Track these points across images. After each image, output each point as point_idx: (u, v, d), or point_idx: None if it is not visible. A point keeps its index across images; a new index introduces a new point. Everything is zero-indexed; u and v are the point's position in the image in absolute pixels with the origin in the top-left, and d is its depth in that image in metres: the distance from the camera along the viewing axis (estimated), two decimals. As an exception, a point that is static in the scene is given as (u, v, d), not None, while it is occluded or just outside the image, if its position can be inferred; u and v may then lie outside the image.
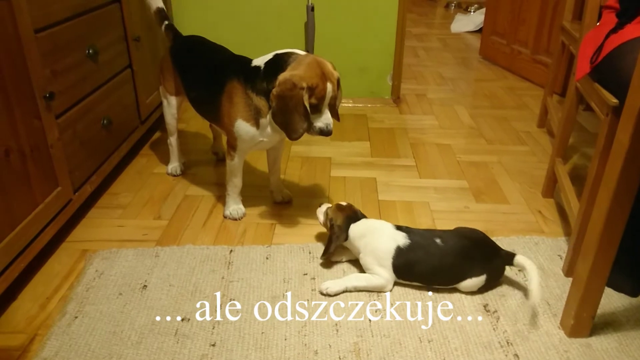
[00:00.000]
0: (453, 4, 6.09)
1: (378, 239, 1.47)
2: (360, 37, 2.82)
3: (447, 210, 1.92)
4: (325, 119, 1.57)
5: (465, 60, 4.00)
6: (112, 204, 1.94)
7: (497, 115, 2.85)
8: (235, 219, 1.83)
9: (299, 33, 2.80)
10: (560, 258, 1.63)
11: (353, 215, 1.57)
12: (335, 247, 1.55)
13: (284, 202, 1.95)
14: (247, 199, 1.90)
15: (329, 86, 1.54)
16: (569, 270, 1.54)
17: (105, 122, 1.90)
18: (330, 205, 1.64)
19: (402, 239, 1.46)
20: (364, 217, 1.59)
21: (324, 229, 1.77)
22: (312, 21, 2.69)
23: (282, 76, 1.52)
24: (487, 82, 3.46)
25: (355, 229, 1.53)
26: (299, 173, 2.18)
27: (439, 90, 3.28)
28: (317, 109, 1.55)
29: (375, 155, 2.36)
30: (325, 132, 1.57)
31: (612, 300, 1.46)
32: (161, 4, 2.03)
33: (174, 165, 2.15)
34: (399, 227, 1.50)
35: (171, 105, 2.03)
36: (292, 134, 1.56)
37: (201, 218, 1.85)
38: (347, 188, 2.06)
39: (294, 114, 1.52)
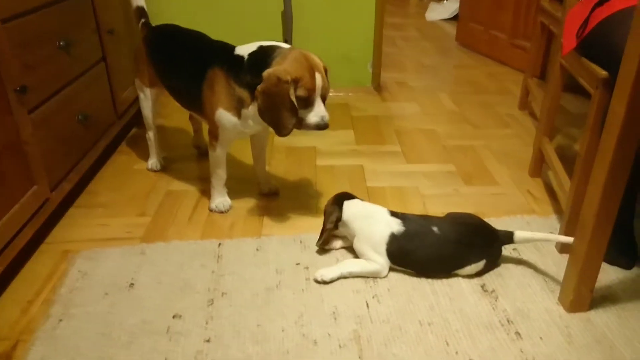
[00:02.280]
0: (426, -6, 6.10)
1: (372, 224, 1.44)
2: (339, 26, 2.78)
3: (437, 195, 1.89)
4: (319, 112, 1.51)
5: (444, 47, 4.00)
6: (92, 202, 1.87)
7: (480, 100, 2.85)
8: (222, 212, 1.78)
9: (276, 22, 2.75)
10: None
11: (345, 194, 1.54)
12: (331, 226, 1.50)
13: (271, 194, 1.90)
14: (233, 191, 1.85)
15: (318, 77, 1.49)
16: (562, 248, 1.54)
17: (80, 117, 1.82)
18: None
19: (396, 226, 1.42)
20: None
21: (314, 220, 1.74)
22: (290, 10, 2.64)
23: (266, 72, 1.46)
24: (467, 68, 3.47)
25: (350, 207, 1.49)
26: (285, 163, 2.14)
27: (420, 78, 3.27)
28: (308, 103, 1.49)
29: (361, 143, 2.32)
30: (321, 126, 1.52)
31: (607, 273, 1.46)
32: (142, 3, 1.96)
33: (153, 161, 2.08)
34: (394, 213, 1.47)
35: (148, 98, 1.96)
36: (281, 131, 1.50)
37: (186, 213, 1.79)
38: (335, 176, 2.03)
39: (281, 110, 1.47)
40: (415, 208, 1.80)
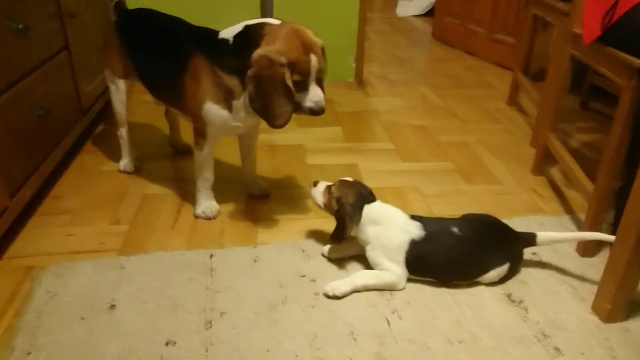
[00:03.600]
0: (393, -11, 6.01)
1: (389, 230, 1.29)
2: (321, 17, 2.61)
3: (439, 194, 1.77)
4: (314, 96, 1.35)
5: (418, 42, 3.90)
6: (57, 209, 1.63)
7: (464, 95, 2.76)
8: (209, 218, 1.59)
9: (254, 11, 2.56)
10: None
11: (366, 194, 1.35)
12: (350, 231, 1.32)
13: (261, 196, 1.72)
14: (218, 194, 1.65)
15: (313, 58, 1.33)
16: (585, 250, 1.44)
17: (41, 112, 1.58)
18: (328, 182, 1.41)
19: (416, 231, 1.28)
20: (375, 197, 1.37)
21: (312, 223, 1.57)
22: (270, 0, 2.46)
23: (256, 53, 1.29)
24: (445, 62, 3.38)
25: (370, 211, 1.31)
26: (272, 163, 1.96)
27: (399, 72, 3.15)
28: (302, 86, 1.33)
29: (350, 140, 2.17)
30: (316, 111, 1.36)
31: (634, 278, 1.37)
32: None
33: (126, 162, 1.86)
34: (412, 217, 1.33)
35: (120, 91, 1.74)
36: (276, 120, 1.33)
37: (168, 219, 1.59)
38: (328, 176, 1.85)
39: (275, 97, 1.30)
40: (420, 209, 1.66)
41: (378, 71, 3.14)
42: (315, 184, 1.42)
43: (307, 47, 1.32)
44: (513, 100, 2.59)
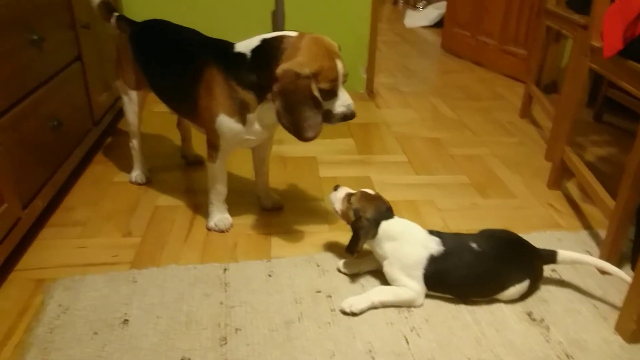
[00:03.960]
0: (401, 0, 6.04)
1: (408, 246, 1.26)
2: (332, 27, 2.60)
3: (454, 209, 1.74)
4: (344, 101, 1.34)
5: (428, 53, 3.90)
6: (68, 220, 1.62)
7: (476, 107, 2.74)
8: (222, 231, 1.57)
9: (266, 22, 2.56)
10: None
11: (385, 210, 1.32)
12: (362, 245, 1.30)
13: (274, 209, 1.70)
14: (231, 207, 1.63)
15: (339, 63, 1.32)
16: (605, 267, 1.41)
17: (54, 123, 1.58)
18: (349, 189, 1.39)
19: (435, 246, 1.26)
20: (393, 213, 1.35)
21: (326, 237, 1.55)
22: (282, 9, 2.45)
23: (280, 68, 1.27)
24: (456, 74, 3.37)
25: (387, 228, 1.29)
26: (284, 175, 1.94)
27: (410, 83, 3.14)
28: (331, 94, 1.32)
29: (363, 153, 2.16)
30: (349, 116, 1.35)
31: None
32: None
33: (137, 173, 1.85)
34: (430, 232, 1.30)
35: (133, 102, 1.73)
36: (307, 133, 1.31)
37: (181, 232, 1.57)
38: (341, 189, 1.85)
39: (303, 110, 1.28)
40: (434, 223, 1.64)
41: (388, 82, 3.13)
42: (335, 188, 1.40)
43: (331, 54, 1.31)
44: (526, 113, 2.57)
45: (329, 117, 1.34)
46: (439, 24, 4.69)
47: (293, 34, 1.35)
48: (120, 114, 2.17)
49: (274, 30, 2.53)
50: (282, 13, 2.46)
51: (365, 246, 1.32)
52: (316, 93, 1.28)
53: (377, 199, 1.34)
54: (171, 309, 1.26)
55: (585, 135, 2.38)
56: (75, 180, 1.85)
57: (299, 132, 1.31)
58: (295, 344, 1.16)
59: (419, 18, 4.95)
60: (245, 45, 1.39)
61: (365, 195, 1.34)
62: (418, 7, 5.55)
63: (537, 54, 2.45)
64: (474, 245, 1.27)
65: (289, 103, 1.28)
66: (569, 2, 2.18)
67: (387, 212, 1.32)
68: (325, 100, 1.32)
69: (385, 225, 1.29)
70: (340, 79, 1.32)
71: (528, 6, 3.05)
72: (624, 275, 1.26)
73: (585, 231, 1.63)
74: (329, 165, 2.02)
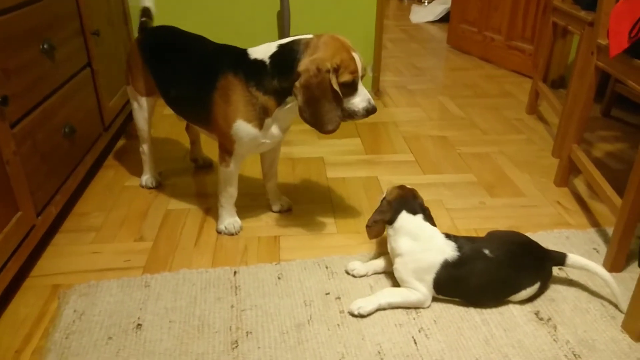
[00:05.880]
0: (407, -4, 6.02)
1: (425, 249, 1.27)
2: (338, 26, 2.62)
3: (463, 208, 1.75)
4: (364, 95, 1.38)
5: (435, 50, 3.89)
6: (82, 226, 1.65)
7: (484, 105, 2.73)
8: (232, 234, 1.59)
9: (271, 23, 2.57)
10: (597, 252, 1.50)
11: (412, 201, 1.35)
12: (375, 222, 1.35)
13: (283, 211, 1.72)
14: (240, 210, 1.66)
15: (357, 56, 1.35)
16: (613, 265, 1.41)
17: (67, 130, 1.60)
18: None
19: (451, 252, 1.27)
20: (424, 213, 1.35)
21: (335, 239, 1.57)
22: (288, 9, 2.46)
23: (302, 64, 1.32)
24: (463, 71, 3.36)
25: (407, 220, 1.31)
26: (292, 176, 1.96)
27: (417, 81, 3.14)
28: (352, 87, 1.35)
29: (370, 152, 2.17)
30: (370, 110, 1.38)
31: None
32: (147, 3, 1.77)
33: (147, 177, 1.87)
34: (448, 236, 1.31)
35: (143, 108, 1.76)
36: (327, 126, 1.35)
37: (191, 236, 1.60)
38: (349, 190, 1.86)
39: (323, 103, 1.32)
40: (443, 224, 1.65)
41: (396, 80, 3.13)
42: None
43: (348, 48, 1.35)
44: (533, 109, 2.56)
45: (352, 113, 1.38)
46: (444, 19, 4.68)
47: (308, 36, 1.38)
48: (129, 117, 2.19)
49: (280, 30, 2.55)
50: (288, 13, 2.47)
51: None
52: (336, 87, 1.32)
53: (406, 190, 1.38)
54: (184, 313, 1.28)
55: (593, 131, 2.37)
56: (86, 185, 1.88)
57: (319, 125, 1.35)
58: (305, 346, 1.18)
59: (424, 13, 4.94)
60: (261, 52, 1.41)
61: (399, 186, 1.40)
62: (423, 2, 5.53)
63: (544, 50, 2.44)
64: (486, 251, 1.27)
65: (311, 97, 1.31)
66: (575, -2, 2.17)
67: (414, 206, 1.34)
68: (345, 96, 1.35)
69: (406, 217, 1.31)
70: (360, 71, 1.35)
71: (535, 2, 3.03)
72: (620, 300, 1.28)
73: (593, 229, 1.63)
74: (337, 167, 2.03)
